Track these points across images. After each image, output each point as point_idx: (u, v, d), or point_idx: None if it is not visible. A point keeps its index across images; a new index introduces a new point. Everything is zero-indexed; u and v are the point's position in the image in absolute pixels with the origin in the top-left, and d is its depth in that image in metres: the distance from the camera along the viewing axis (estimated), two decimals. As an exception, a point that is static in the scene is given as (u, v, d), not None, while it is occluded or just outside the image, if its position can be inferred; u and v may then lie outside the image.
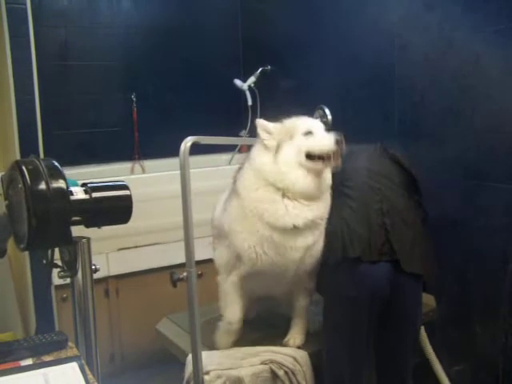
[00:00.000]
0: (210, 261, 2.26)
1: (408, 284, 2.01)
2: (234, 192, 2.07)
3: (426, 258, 2.04)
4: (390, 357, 2.12)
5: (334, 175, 2.07)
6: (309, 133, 1.99)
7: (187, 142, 1.84)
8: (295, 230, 1.95)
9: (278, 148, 1.98)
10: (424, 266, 2.02)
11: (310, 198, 1.96)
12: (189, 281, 1.84)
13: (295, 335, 2.22)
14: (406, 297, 2.04)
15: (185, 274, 1.85)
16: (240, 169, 2.11)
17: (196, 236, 1.90)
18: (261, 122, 2.02)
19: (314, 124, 2.05)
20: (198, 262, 1.93)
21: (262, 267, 2.01)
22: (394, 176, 2.16)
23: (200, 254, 2.00)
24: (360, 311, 1.96)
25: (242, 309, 2.14)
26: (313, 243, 2.01)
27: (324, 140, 1.95)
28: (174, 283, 1.90)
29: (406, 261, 1.97)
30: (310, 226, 1.98)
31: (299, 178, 1.94)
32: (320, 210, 2.00)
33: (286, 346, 2.20)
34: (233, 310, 2.12)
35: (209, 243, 2.30)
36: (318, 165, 1.95)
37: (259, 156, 2.01)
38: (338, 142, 1.91)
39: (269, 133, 2.01)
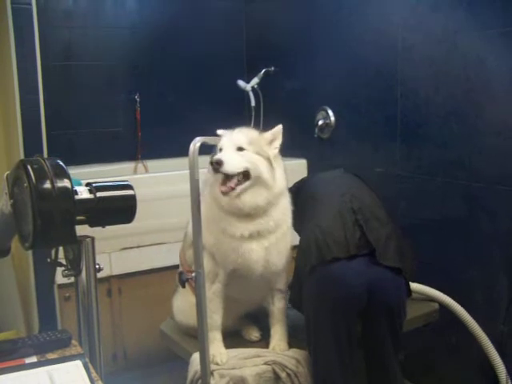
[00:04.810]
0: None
1: (387, 278, 2.01)
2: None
3: (402, 253, 2.05)
4: (376, 353, 2.11)
5: (299, 196, 2.21)
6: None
7: (196, 143, 1.83)
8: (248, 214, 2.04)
9: None
10: (400, 261, 2.02)
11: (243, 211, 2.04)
12: (197, 281, 1.84)
13: (279, 342, 2.21)
14: (387, 290, 2.03)
15: (193, 274, 1.85)
16: None
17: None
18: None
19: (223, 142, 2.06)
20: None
21: (237, 261, 2.08)
22: (358, 181, 2.29)
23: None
24: (342, 309, 1.97)
25: (221, 318, 2.18)
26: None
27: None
28: (183, 283, 1.91)
29: (381, 253, 1.99)
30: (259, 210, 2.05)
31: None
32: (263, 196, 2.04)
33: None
34: (214, 319, 2.13)
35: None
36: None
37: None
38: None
39: None
